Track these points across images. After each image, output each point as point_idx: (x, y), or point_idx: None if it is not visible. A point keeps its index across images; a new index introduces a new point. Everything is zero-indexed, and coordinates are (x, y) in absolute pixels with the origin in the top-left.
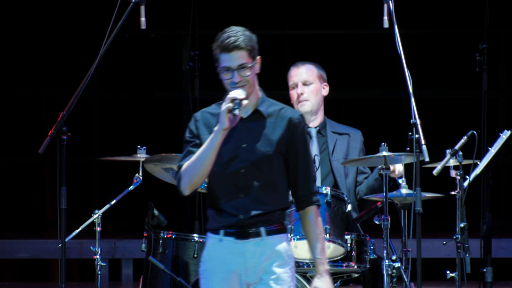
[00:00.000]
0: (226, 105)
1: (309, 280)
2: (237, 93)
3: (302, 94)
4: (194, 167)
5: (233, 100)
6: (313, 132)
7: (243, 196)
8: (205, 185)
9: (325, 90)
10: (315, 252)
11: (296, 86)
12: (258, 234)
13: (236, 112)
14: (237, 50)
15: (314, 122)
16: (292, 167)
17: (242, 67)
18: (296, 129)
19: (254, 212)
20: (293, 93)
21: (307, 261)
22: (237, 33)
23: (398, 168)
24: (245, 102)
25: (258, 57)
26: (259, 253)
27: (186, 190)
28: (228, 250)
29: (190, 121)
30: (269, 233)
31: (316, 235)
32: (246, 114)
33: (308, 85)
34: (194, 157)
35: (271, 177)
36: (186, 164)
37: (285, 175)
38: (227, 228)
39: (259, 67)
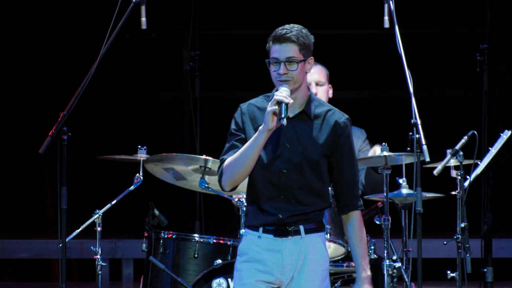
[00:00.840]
0: (272, 107)
1: None
2: (284, 95)
3: (316, 94)
4: (236, 165)
5: (279, 103)
6: None
7: (283, 196)
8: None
9: (330, 92)
10: (357, 257)
11: (309, 85)
12: (297, 232)
13: (284, 122)
14: (288, 43)
15: None
16: (336, 170)
17: (290, 60)
18: (342, 133)
19: (293, 213)
20: None
21: None
22: (292, 28)
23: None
24: (290, 103)
25: (311, 58)
26: (297, 251)
27: (226, 186)
28: (265, 246)
29: (236, 112)
30: (308, 231)
31: (359, 240)
32: (293, 113)
33: (320, 85)
34: (237, 154)
35: (312, 180)
36: (228, 160)
37: (328, 176)
38: (266, 226)
39: (310, 68)
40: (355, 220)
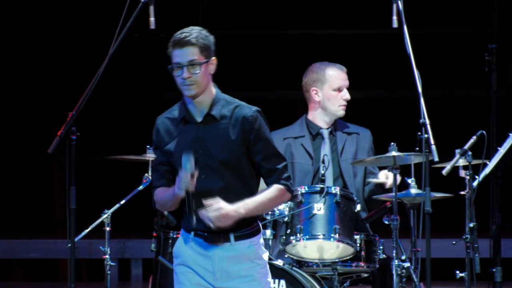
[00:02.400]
0: (180, 190)
1: (318, 280)
2: (187, 182)
3: (347, 99)
4: (163, 205)
5: (186, 191)
6: (325, 133)
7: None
8: None
9: None
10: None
11: (341, 89)
12: (227, 239)
13: (193, 222)
14: (188, 46)
15: (328, 124)
16: (258, 164)
17: (192, 63)
18: (252, 127)
19: None
20: (338, 96)
21: (317, 261)
22: (191, 31)
23: (390, 181)
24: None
25: (214, 58)
26: (227, 258)
27: (159, 209)
28: (197, 250)
29: (154, 128)
30: (238, 238)
31: (264, 196)
32: (201, 117)
33: (348, 89)
34: (161, 197)
35: (232, 181)
36: (157, 196)
37: (251, 173)
38: (197, 231)
39: (214, 68)
40: (273, 188)
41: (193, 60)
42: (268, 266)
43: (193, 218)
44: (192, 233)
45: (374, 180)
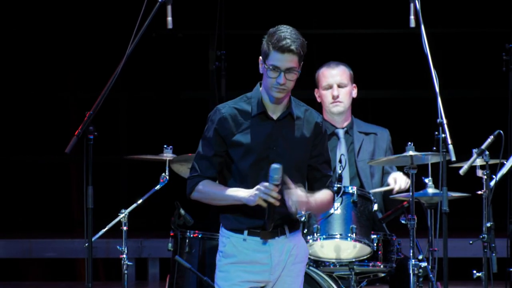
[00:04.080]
0: (260, 200)
1: (336, 280)
2: (274, 196)
3: (338, 96)
4: (210, 198)
5: (266, 202)
6: (341, 133)
7: None
8: None
9: (354, 92)
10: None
11: (330, 87)
12: (283, 232)
13: (267, 227)
14: (291, 54)
15: (342, 123)
16: (315, 164)
17: (290, 70)
18: (320, 132)
19: (280, 214)
20: (327, 94)
21: (334, 260)
22: (292, 36)
23: (398, 185)
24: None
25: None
26: (284, 251)
27: (193, 198)
28: (252, 248)
29: (214, 114)
30: (291, 230)
31: (325, 200)
32: (278, 115)
33: (342, 87)
34: (215, 192)
35: (296, 178)
36: (205, 188)
37: (306, 174)
38: (251, 229)
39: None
40: (329, 193)
41: (292, 68)
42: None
43: (270, 226)
44: (246, 232)
45: (380, 190)
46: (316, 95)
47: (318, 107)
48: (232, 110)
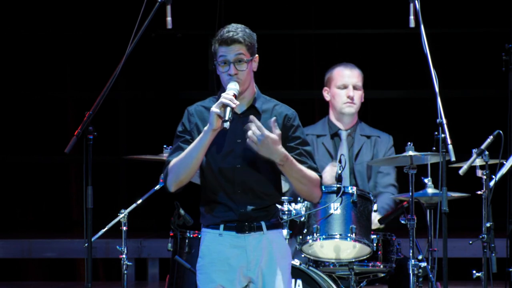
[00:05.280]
0: (216, 109)
1: (335, 280)
2: (229, 98)
3: (353, 97)
4: (182, 165)
5: (225, 106)
6: (344, 135)
7: (240, 191)
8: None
9: (362, 96)
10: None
11: (345, 87)
12: (259, 228)
13: (226, 125)
14: (236, 44)
15: (348, 124)
16: (294, 155)
17: (239, 60)
18: (292, 124)
19: (252, 207)
20: (342, 93)
21: (333, 260)
22: (237, 29)
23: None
24: (234, 106)
25: (256, 56)
26: (260, 247)
27: (172, 186)
28: (228, 244)
29: (184, 115)
30: (269, 227)
31: (306, 172)
32: (241, 110)
33: (357, 89)
34: (182, 154)
35: (266, 173)
36: (174, 161)
37: (279, 169)
38: (227, 223)
39: (256, 65)
40: (314, 173)
41: (240, 57)
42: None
43: (227, 124)
44: (222, 226)
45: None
46: (325, 93)
47: (321, 106)
48: (198, 108)
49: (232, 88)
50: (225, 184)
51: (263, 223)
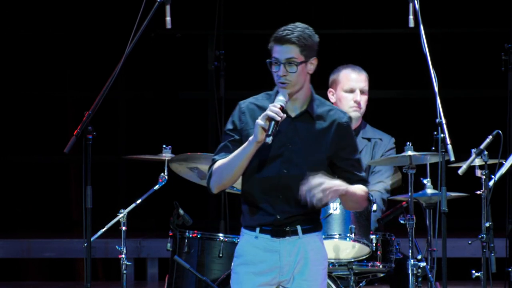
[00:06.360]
0: (261, 122)
1: (334, 280)
2: (276, 111)
3: (360, 102)
4: (225, 170)
5: (270, 119)
6: None
7: (282, 197)
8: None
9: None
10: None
11: (352, 91)
12: (295, 233)
13: (268, 140)
14: (289, 44)
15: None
16: (343, 170)
17: (290, 61)
18: (345, 133)
19: (291, 214)
20: (348, 97)
21: (333, 260)
22: (295, 28)
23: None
24: (280, 120)
25: (314, 58)
26: (294, 252)
27: (214, 189)
28: (263, 247)
29: (235, 110)
30: (305, 231)
31: (360, 196)
32: (295, 113)
33: (364, 94)
34: (227, 159)
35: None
36: (218, 164)
37: (328, 176)
38: (263, 226)
39: (313, 68)
40: (360, 186)
41: (291, 58)
42: (327, 269)
43: (270, 138)
44: (258, 229)
45: None
46: (330, 95)
47: None
48: (251, 106)
49: (280, 100)
50: (269, 188)
51: (298, 227)
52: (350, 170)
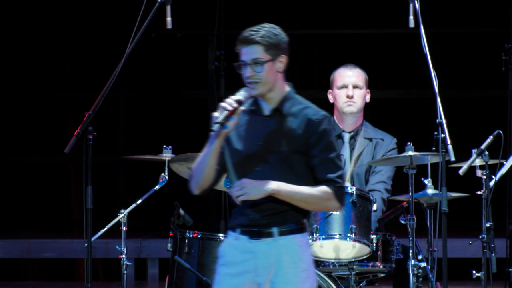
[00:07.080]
0: (215, 113)
1: (335, 280)
2: (229, 102)
3: (352, 96)
4: (197, 169)
5: (223, 110)
6: (346, 137)
7: None
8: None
9: (368, 97)
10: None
11: (345, 86)
12: (270, 235)
13: (215, 127)
14: (253, 44)
15: (351, 126)
16: (313, 168)
17: (255, 62)
18: (316, 129)
19: (269, 212)
20: (341, 93)
21: (333, 260)
22: (260, 29)
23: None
24: (232, 107)
25: (283, 56)
26: (270, 254)
27: (194, 190)
28: (241, 248)
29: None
30: (282, 233)
31: (315, 190)
32: (267, 112)
33: (358, 88)
34: (198, 158)
35: (287, 178)
36: (194, 164)
37: (306, 174)
38: (243, 227)
39: (282, 66)
40: (321, 187)
41: (257, 58)
42: (311, 271)
43: (216, 126)
44: (238, 230)
45: None
46: (329, 96)
47: (330, 108)
48: None
49: (240, 94)
50: None
51: (275, 229)
52: (317, 169)
